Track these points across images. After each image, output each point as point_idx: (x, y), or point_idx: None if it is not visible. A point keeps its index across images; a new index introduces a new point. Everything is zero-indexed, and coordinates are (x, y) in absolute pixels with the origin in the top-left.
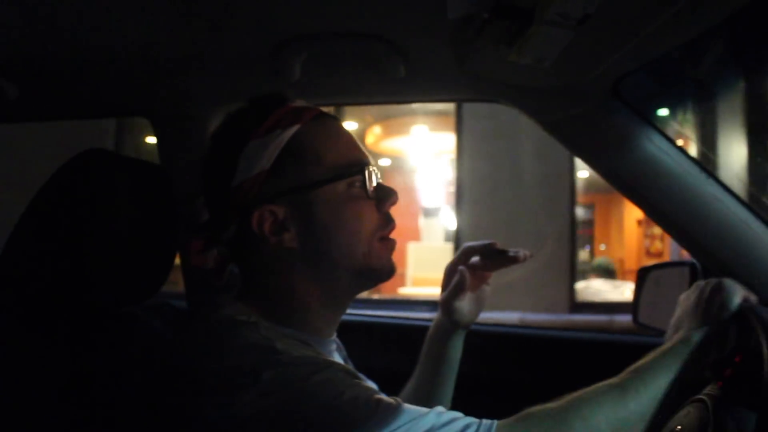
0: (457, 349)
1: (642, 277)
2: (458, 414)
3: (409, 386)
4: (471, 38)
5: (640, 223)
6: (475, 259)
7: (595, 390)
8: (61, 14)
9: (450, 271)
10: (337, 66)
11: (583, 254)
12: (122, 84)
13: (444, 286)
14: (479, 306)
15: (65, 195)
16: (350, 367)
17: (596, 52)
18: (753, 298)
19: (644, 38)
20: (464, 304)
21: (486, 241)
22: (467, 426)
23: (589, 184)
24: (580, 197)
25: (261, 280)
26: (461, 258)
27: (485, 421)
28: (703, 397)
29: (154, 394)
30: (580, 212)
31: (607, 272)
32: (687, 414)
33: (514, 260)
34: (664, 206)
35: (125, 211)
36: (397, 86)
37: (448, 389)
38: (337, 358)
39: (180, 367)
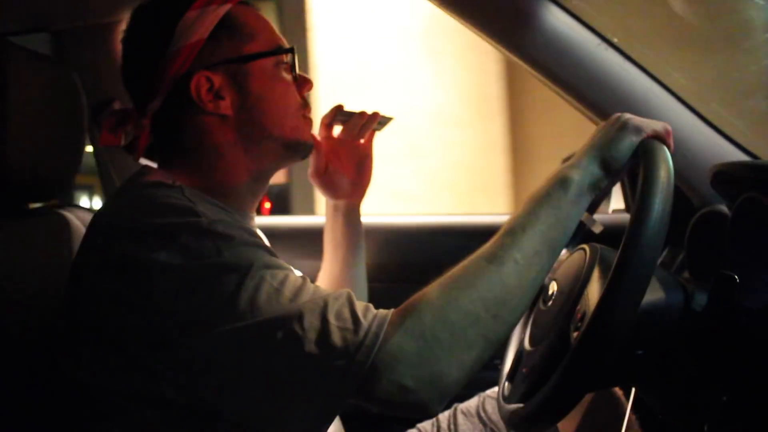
0: (351, 227)
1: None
2: (367, 303)
3: (320, 275)
4: None
5: None
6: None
7: (469, 270)
8: None
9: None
10: None
11: None
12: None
13: None
14: (361, 178)
15: None
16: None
17: None
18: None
19: None
20: (337, 177)
21: (333, 107)
22: (374, 312)
23: None
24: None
25: (190, 148)
26: (320, 131)
27: (381, 311)
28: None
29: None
30: None
31: None
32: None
33: (369, 119)
34: (570, 78)
35: (25, 102)
36: None
37: (357, 270)
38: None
39: (99, 225)
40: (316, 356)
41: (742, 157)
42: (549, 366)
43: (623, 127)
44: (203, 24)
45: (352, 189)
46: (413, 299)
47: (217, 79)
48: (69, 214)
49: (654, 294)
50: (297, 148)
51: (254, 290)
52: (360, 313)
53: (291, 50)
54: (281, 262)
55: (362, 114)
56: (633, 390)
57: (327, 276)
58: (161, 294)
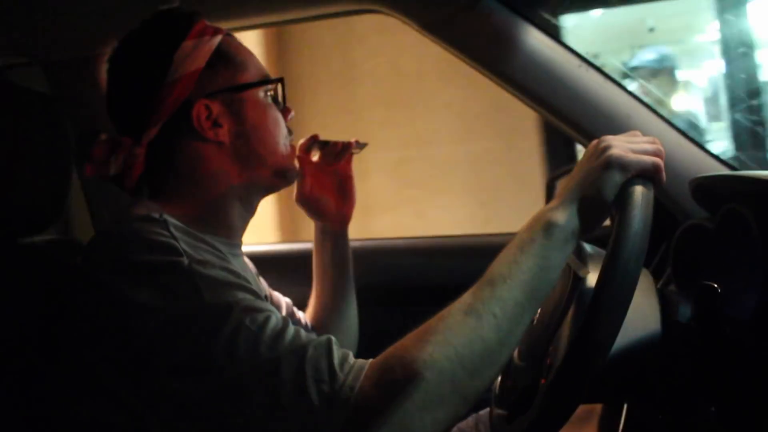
0: (339, 251)
1: (551, 186)
2: (347, 351)
3: (311, 301)
4: None
5: None
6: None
7: (446, 325)
8: None
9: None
10: None
11: None
12: (8, 29)
13: None
14: (344, 199)
15: None
16: (253, 285)
17: None
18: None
19: None
20: (322, 200)
21: (310, 137)
22: (351, 364)
23: None
24: None
25: (184, 177)
26: (299, 158)
27: (359, 363)
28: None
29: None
30: None
31: None
32: None
33: (344, 146)
34: (553, 100)
35: (10, 135)
36: (268, 6)
37: (346, 295)
38: (239, 266)
39: (87, 260)
40: (291, 407)
41: (722, 169)
42: (526, 393)
43: (607, 164)
44: (200, 53)
45: (337, 211)
46: (389, 353)
47: (215, 107)
48: (58, 248)
49: (630, 332)
50: (285, 175)
51: (232, 335)
52: (337, 365)
53: (281, 80)
54: (263, 303)
55: (336, 143)
56: (625, 406)
57: (317, 302)
58: (139, 333)
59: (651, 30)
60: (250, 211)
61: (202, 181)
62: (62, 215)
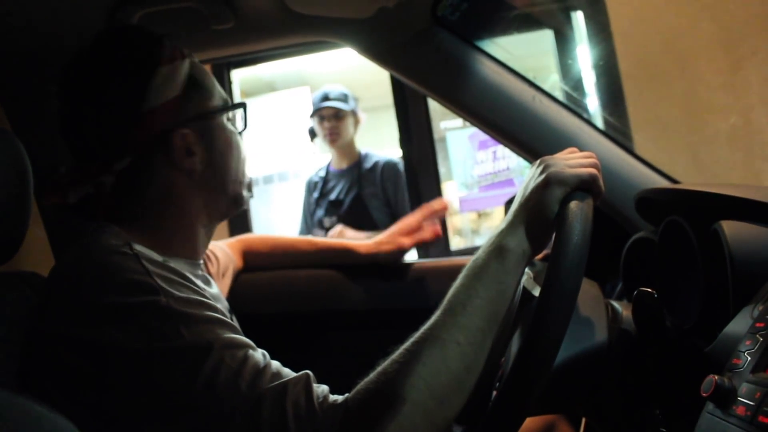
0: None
1: (508, 207)
2: (324, 387)
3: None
4: None
5: None
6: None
7: (412, 357)
8: None
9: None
10: (170, 22)
11: None
12: None
13: None
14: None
15: None
16: (224, 312)
17: None
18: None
19: None
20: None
21: None
22: (330, 402)
23: None
24: None
25: (153, 204)
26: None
27: (336, 400)
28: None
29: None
30: None
31: None
32: None
33: None
34: (500, 121)
35: None
36: (230, 38)
37: None
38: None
39: (55, 296)
40: None
41: (664, 182)
42: (482, 406)
43: (546, 183)
44: (176, 80)
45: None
46: (363, 388)
47: (189, 136)
48: (19, 281)
49: (579, 342)
50: (239, 201)
51: (213, 373)
52: (316, 402)
53: (244, 105)
54: (242, 338)
55: None
56: (583, 420)
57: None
58: (119, 376)
59: None
60: (210, 235)
61: (171, 212)
62: (19, 249)
